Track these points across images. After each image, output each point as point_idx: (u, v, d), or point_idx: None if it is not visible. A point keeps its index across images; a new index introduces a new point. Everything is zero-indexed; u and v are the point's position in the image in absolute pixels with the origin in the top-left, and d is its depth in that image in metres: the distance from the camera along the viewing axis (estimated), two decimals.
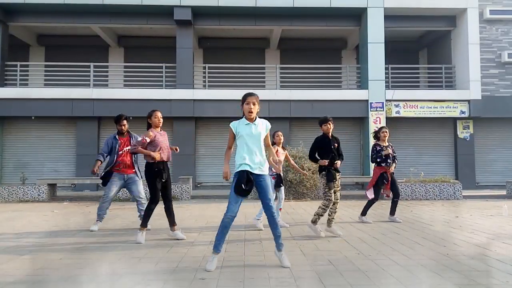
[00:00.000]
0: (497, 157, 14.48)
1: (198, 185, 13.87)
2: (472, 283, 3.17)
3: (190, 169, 13.28)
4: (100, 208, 5.85)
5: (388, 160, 6.53)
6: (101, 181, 5.95)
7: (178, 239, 4.93)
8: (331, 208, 5.20)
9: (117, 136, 5.85)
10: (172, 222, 5.07)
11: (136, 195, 5.82)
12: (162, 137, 5.12)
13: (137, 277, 3.37)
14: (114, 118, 5.89)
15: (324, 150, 5.23)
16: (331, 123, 5.30)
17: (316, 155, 5.29)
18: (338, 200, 5.26)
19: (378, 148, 6.65)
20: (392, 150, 6.72)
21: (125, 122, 5.84)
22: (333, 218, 5.29)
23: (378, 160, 6.54)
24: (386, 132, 6.71)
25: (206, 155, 14.15)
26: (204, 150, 14.13)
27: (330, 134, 5.32)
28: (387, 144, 6.72)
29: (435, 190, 10.55)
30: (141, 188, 5.88)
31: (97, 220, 5.85)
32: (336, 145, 5.30)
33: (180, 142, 13.55)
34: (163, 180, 4.95)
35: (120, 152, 5.77)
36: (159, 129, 5.18)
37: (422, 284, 3.17)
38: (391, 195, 6.63)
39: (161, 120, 5.15)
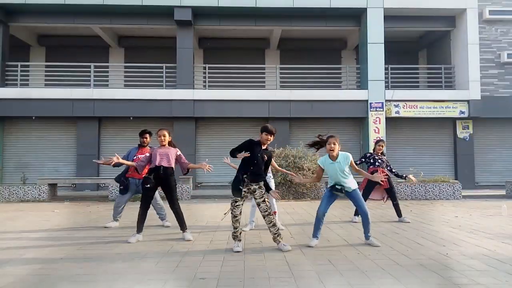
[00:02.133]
0: (497, 157, 14.47)
1: (199, 185, 13.87)
2: (472, 282, 3.18)
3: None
4: (115, 211, 6.13)
5: (377, 163, 6.63)
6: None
7: (184, 239, 4.95)
8: (266, 222, 4.47)
9: (138, 147, 6.21)
10: (180, 226, 5.10)
11: (154, 200, 5.86)
12: (160, 150, 5.14)
13: (137, 277, 3.37)
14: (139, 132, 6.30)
15: (250, 156, 4.48)
16: (271, 137, 4.53)
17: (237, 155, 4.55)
18: (266, 213, 4.42)
19: (368, 154, 6.84)
20: (386, 164, 6.78)
21: (147, 136, 6.17)
22: (275, 233, 4.44)
23: (363, 160, 6.81)
24: (382, 146, 6.77)
25: (206, 155, 14.11)
26: (204, 150, 14.13)
27: (265, 145, 4.60)
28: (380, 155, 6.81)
29: (435, 190, 10.55)
30: (156, 193, 5.72)
31: (113, 221, 6.13)
32: (266, 157, 4.58)
33: (181, 142, 13.52)
34: (147, 186, 4.94)
35: (134, 157, 6.03)
36: (166, 145, 5.20)
37: (421, 283, 3.17)
38: (385, 199, 6.71)
39: (164, 138, 5.11)
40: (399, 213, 6.58)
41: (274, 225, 4.46)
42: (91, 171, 13.38)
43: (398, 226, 5.99)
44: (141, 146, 6.17)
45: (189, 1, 13.15)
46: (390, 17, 13.71)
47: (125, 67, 15.21)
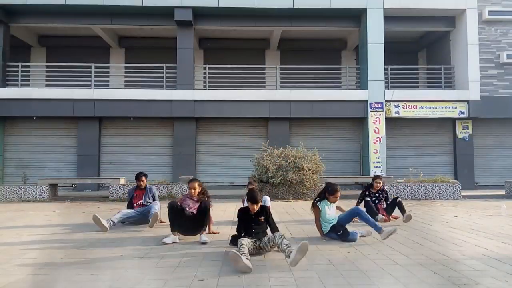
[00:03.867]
0: (496, 157, 14.47)
1: None
2: (472, 282, 3.17)
3: (191, 169, 13.28)
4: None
5: (374, 199, 6.63)
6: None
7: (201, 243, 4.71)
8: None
9: (135, 189, 6.47)
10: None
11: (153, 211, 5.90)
12: (190, 200, 5.23)
13: (137, 277, 3.36)
14: (135, 175, 6.48)
15: (244, 223, 4.37)
16: (256, 206, 4.31)
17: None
18: (286, 246, 3.77)
19: (366, 193, 6.73)
20: (385, 194, 6.75)
21: (143, 178, 6.43)
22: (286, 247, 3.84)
23: (365, 197, 6.69)
24: (379, 183, 6.69)
25: (206, 155, 14.14)
26: (204, 150, 14.12)
27: (254, 211, 4.33)
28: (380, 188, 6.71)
29: (434, 190, 10.54)
30: (158, 207, 6.05)
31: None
32: (263, 218, 4.34)
33: (181, 142, 13.57)
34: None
35: (135, 204, 6.30)
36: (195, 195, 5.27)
37: (421, 283, 3.17)
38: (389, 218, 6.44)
39: (194, 191, 5.21)
40: (402, 211, 6.36)
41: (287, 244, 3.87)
42: (92, 171, 13.37)
43: (398, 226, 5.97)
44: (138, 188, 6.44)
45: (189, 2, 13.16)
46: (390, 17, 13.71)
47: (126, 67, 15.21)
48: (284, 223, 6.31)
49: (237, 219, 4.49)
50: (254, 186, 6.24)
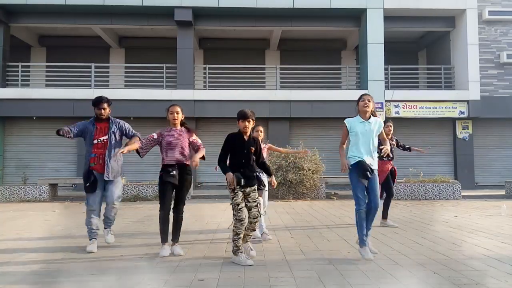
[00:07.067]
0: (496, 157, 14.46)
1: (199, 185, 13.86)
2: (472, 282, 3.17)
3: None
4: (89, 223, 4.45)
5: (391, 155, 6.09)
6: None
7: (174, 254, 4.10)
8: (250, 228, 3.90)
9: (94, 122, 4.74)
10: (173, 235, 4.20)
11: (111, 200, 4.57)
12: (173, 136, 4.35)
13: (137, 277, 3.36)
14: (92, 101, 4.79)
15: (236, 151, 4.03)
16: (249, 123, 3.93)
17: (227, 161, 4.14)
18: (255, 220, 3.86)
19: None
20: (397, 143, 6.50)
21: (105, 105, 4.73)
22: (248, 235, 3.97)
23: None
24: (391, 126, 6.15)
25: (207, 155, 14.07)
26: (205, 150, 14.10)
27: (247, 134, 4.01)
28: (390, 137, 6.19)
29: (434, 190, 10.54)
30: (119, 191, 4.67)
31: (90, 239, 4.42)
32: (253, 149, 4.01)
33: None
34: (172, 183, 4.19)
35: (95, 142, 4.60)
36: (177, 126, 4.42)
37: (421, 283, 3.16)
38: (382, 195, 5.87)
39: (177, 115, 4.36)
40: (385, 214, 5.99)
41: (254, 230, 3.98)
42: None
43: (398, 226, 5.97)
44: (98, 120, 4.75)
45: (189, 2, 13.16)
46: (390, 17, 13.70)
47: (126, 67, 15.21)
48: (288, 228, 6.30)
49: (222, 148, 3.88)
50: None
